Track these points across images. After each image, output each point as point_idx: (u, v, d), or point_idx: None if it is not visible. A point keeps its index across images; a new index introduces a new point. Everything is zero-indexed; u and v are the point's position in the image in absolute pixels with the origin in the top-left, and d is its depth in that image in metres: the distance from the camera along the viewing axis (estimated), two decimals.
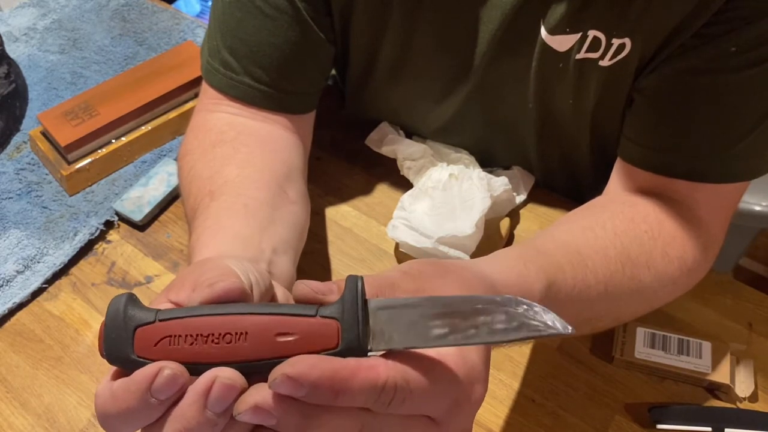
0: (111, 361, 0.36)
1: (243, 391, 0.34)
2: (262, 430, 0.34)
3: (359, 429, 0.34)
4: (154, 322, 0.35)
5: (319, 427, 0.33)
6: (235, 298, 0.37)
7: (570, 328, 0.34)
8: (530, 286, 0.48)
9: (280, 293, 0.43)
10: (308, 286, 0.37)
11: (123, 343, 0.35)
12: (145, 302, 0.37)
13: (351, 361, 0.33)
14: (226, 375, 0.34)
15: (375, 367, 0.33)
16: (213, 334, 0.34)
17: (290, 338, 0.34)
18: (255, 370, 0.34)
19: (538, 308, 0.35)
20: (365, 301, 0.35)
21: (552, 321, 0.34)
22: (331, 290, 0.37)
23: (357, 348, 0.34)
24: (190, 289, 0.38)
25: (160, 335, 0.35)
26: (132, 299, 0.36)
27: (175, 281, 0.40)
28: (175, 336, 0.35)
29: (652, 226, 0.59)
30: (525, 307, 0.34)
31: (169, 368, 0.34)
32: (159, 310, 0.35)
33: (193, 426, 0.34)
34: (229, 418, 0.34)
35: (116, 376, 0.36)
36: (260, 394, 0.33)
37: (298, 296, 0.37)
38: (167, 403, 0.34)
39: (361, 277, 0.35)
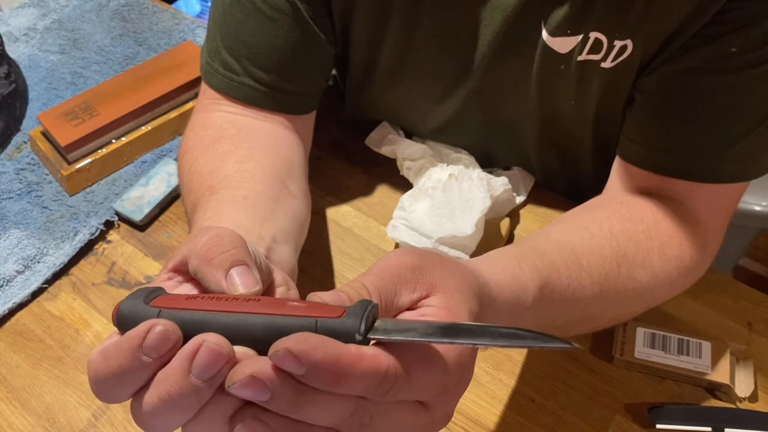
0: (119, 321, 0.36)
1: (230, 362, 0.33)
2: (247, 409, 0.33)
3: (351, 412, 0.33)
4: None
5: (312, 408, 0.32)
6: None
7: (578, 346, 0.34)
8: (524, 286, 0.48)
9: (279, 276, 0.43)
10: (320, 298, 0.36)
11: (139, 300, 0.36)
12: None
13: (353, 348, 0.33)
14: (213, 340, 0.33)
15: (377, 357, 0.33)
16: (228, 297, 0.36)
17: (299, 304, 0.35)
18: (259, 329, 0.34)
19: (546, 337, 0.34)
20: (375, 315, 0.35)
21: (559, 342, 0.33)
22: (342, 300, 0.37)
23: (356, 326, 0.34)
24: (186, 249, 0.39)
25: (177, 295, 0.37)
26: (159, 289, 0.38)
27: (178, 249, 0.41)
28: (192, 296, 0.36)
29: (649, 226, 0.59)
30: (533, 334, 0.34)
31: (161, 325, 0.33)
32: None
33: (176, 391, 0.33)
34: (213, 388, 0.33)
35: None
36: (257, 364, 0.32)
37: None
38: (159, 363, 0.34)
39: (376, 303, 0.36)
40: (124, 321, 0.36)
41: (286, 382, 0.32)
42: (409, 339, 0.34)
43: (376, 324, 0.35)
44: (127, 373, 0.34)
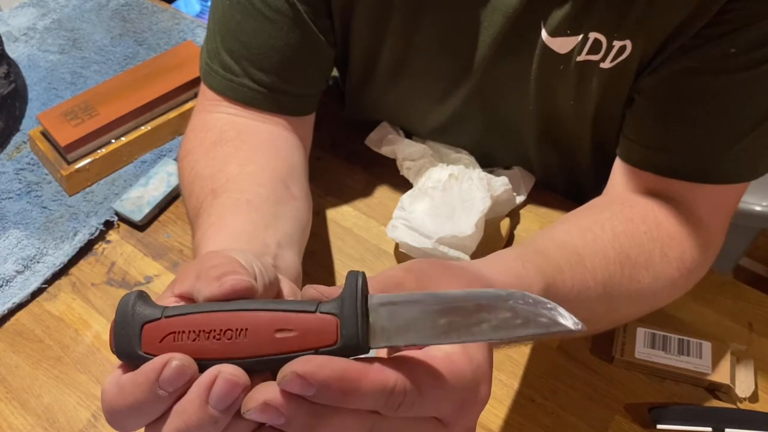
0: (120, 357, 0.36)
1: (246, 390, 0.34)
2: (264, 431, 0.34)
3: (368, 431, 0.34)
4: (160, 318, 0.35)
5: (327, 428, 0.33)
6: (242, 295, 0.37)
7: (580, 324, 0.33)
8: (528, 287, 0.48)
9: (287, 287, 0.43)
10: (317, 290, 0.37)
11: (131, 339, 0.35)
12: None
13: (359, 364, 0.33)
14: (229, 371, 0.34)
15: (384, 370, 0.33)
16: (214, 330, 0.35)
17: (289, 334, 0.34)
18: (257, 368, 0.34)
19: (546, 302, 0.34)
20: (365, 297, 0.35)
21: (561, 317, 0.33)
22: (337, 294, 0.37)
23: (356, 345, 0.34)
24: (194, 278, 0.38)
25: (165, 332, 0.35)
26: (141, 296, 0.37)
27: (179, 275, 0.40)
28: (179, 332, 0.35)
29: (650, 227, 0.59)
30: (531, 301, 0.33)
31: (177, 359, 0.34)
32: (166, 307, 0.36)
33: (195, 422, 0.34)
34: (231, 416, 0.34)
35: (123, 372, 0.36)
36: (269, 391, 0.33)
37: (307, 299, 0.37)
38: (174, 396, 0.34)
39: (362, 273, 0.35)
40: (123, 359, 0.36)
41: (300, 406, 0.33)
42: (411, 343, 0.34)
43: (369, 304, 0.34)
44: (143, 406, 0.35)
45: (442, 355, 0.36)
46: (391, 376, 0.33)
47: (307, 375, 0.32)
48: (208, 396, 0.33)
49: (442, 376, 0.35)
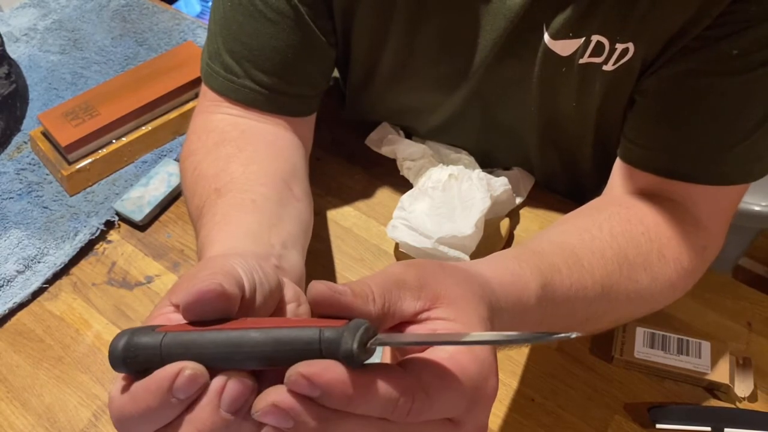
0: (125, 354, 0.36)
1: (254, 392, 0.34)
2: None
3: None
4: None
5: None
6: (212, 301, 0.36)
7: (574, 333, 0.33)
8: (526, 285, 0.48)
9: (291, 291, 0.43)
10: (326, 285, 0.36)
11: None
12: (147, 302, 0.37)
13: (365, 368, 0.33)
14: (237, 375, 0.34)
15: (391, 373, 0.33)
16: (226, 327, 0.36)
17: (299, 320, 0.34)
18: (267, 345, 0.34)
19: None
20: (373, 333, 0.34)
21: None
22: (344, 291, 0.36)
23: (360, 328, 0.33)
24: (186, 287, 0.38)
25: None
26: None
27: (176, 284, 0.41)
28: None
29: (648, 228, 0.59)
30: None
31: (189, 368, 0.34)
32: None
33: (208, 428, 0.34)
34: (242, 419, 0.34)
35: (128, 381, 0.36)
36: (278, 393, 0.33)
37: (315, 295, 0.36)
38: (186, 402, 0.35)
39: (365, 326, 0.34)
40: (134, 355, 0.36)
41: (307, 410, 0.33)
42: (413, 341, 0.34)
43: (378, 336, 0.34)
44: (155, 413, 0.35)
45: (448, 356, 0.36)
46: (398, 384, 0.33)
47: (312, 376, 0.32)
48: (219, 401, 0.34)
49: (450, 377, 0.35)
